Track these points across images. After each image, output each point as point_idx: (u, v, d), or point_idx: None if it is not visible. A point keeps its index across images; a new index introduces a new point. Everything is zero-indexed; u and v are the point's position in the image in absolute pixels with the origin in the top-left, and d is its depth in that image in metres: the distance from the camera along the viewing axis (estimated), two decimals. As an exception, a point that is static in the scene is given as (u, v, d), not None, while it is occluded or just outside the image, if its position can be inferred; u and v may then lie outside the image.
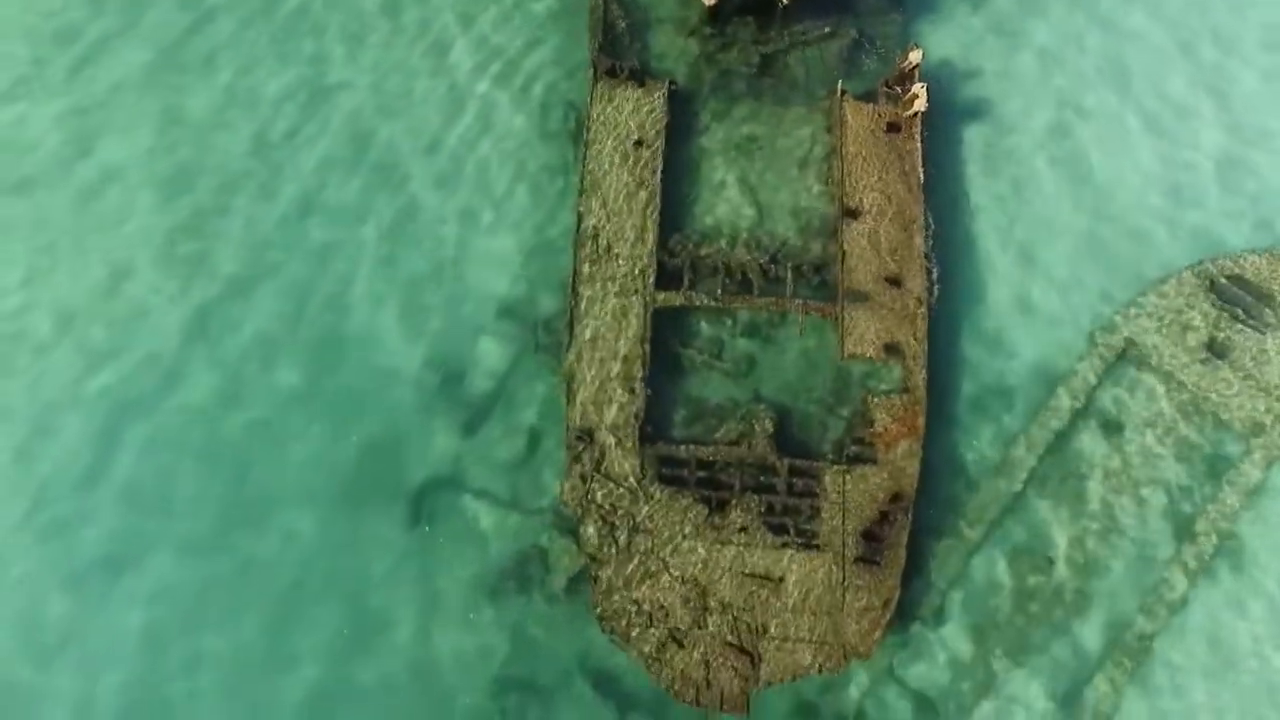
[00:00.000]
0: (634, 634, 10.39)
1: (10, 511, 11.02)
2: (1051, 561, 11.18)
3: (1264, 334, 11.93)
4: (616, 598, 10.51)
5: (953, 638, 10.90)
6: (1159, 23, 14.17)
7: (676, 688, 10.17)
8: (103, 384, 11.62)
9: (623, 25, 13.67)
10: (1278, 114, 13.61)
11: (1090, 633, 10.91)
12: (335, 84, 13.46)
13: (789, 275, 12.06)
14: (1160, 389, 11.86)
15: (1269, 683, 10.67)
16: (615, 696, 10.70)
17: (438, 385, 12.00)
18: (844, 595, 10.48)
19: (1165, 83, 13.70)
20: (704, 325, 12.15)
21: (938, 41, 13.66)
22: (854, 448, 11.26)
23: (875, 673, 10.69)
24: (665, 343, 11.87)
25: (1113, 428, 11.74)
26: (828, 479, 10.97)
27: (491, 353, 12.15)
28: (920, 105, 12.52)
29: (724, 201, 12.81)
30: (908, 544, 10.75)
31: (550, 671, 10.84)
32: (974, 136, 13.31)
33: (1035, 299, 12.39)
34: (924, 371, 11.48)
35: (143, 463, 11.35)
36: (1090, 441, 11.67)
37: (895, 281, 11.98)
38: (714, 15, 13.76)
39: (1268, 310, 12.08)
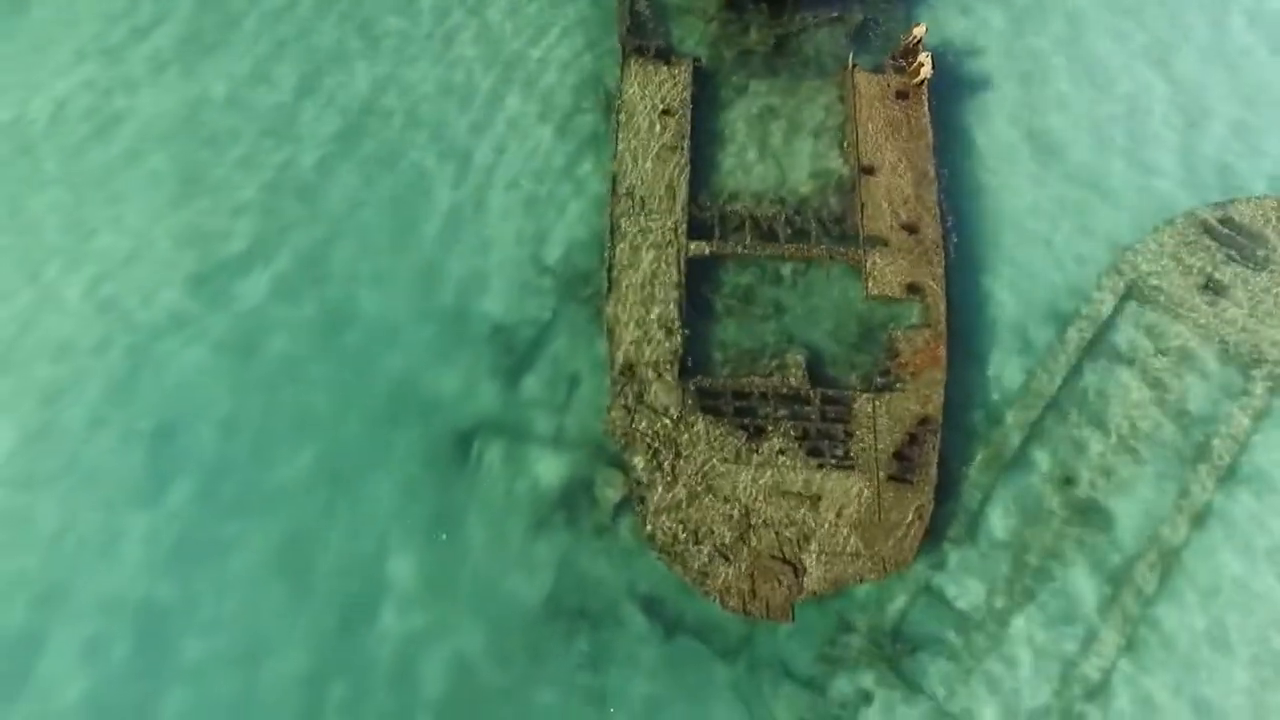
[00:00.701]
0: (681, 552, 10.98)
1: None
2: (1072, 482, 11.84)
3: (1258, 270, 12.88)
4: (663, 519, 11.13)
5: (984, 555, 11.49)
6: None
7: (723, 599, 10.72)
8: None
9: (647, 12, 14.93)
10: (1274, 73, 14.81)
11: (1113, 549, 11.53)
12: (396, 68, 14.60)
13: (812, 226, 13.02)
14: (1165, 323, 12.73)
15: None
16: (663, 620, 11.20)
17: (484, 336, 12.77)
18: (880, 510, 11.13)
19: (1156, 40, 14.95)
20: (734, 274, 13.03)
21: (936, 20, 14.90)
22: (881, 379, 12.05)
23: (912, 588, 11.25)
24: (698, 291, 12.75)
25: (1123, 359, 12.57)
26: (858, 406, 11.73)
27: (534, 305, 12.98)
28: (926, 72, 13.70)
29: (748, 164, 13.85)
30: (937, 467, 11.45)
31: (599, 598, 11.35)
32: (976, 101, 14.47)
33: (1042, 244, 13.35)
34: (944, 307, 12.35)
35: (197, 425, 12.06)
36: (1103, 372, 12.48)
37: (912, 229, 12.94)
38: (731, 3, 15.06)
39: (1260, 249, 13.05)
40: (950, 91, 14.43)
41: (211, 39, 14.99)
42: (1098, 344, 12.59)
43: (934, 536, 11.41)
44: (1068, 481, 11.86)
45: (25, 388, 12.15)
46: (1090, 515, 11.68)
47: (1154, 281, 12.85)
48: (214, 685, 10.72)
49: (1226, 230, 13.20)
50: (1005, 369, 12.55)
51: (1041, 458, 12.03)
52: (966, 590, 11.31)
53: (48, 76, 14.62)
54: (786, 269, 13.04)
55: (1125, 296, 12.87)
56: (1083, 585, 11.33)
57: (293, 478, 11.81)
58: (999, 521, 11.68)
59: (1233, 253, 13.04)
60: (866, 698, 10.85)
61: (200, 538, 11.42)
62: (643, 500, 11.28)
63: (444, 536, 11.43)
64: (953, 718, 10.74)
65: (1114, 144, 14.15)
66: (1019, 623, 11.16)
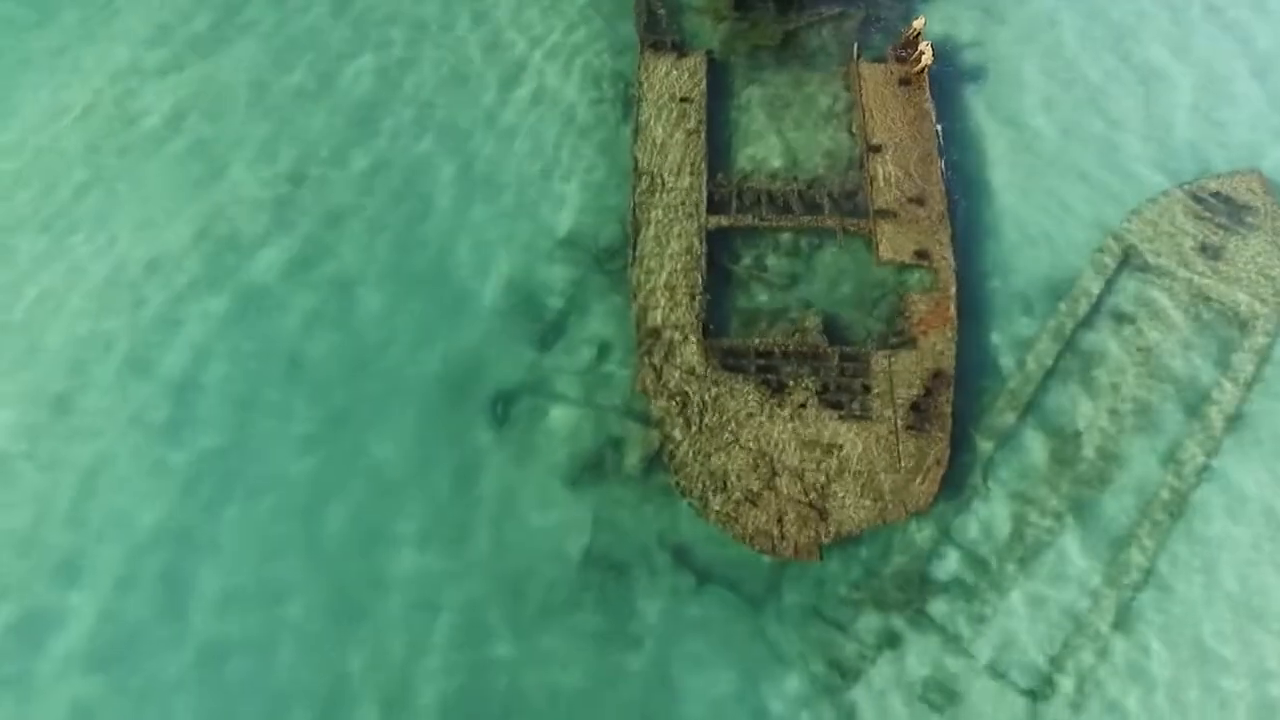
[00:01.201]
0: (710, 498, 11.53)
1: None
2: (1081, 434, 12.46)
3: (1247, 236, 13.69)
4: (692, 468, 11.70)
5: (999, 502, 12.06)
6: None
7: (752, 541, 11.24)
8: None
9: (661, 11, 15.96)
10: (1254, 54, 15.82)
11: (1123, 495, 12.10)
12: (412, 58, 15.58)
13: (824, 201, 13.85)
14: (1163, 286, 13.50)
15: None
16: (693, 568, 11.70)
17: (513, 306, 13.47)
18: (899, 457, 11.72)
19: (1136, 28, 16.03)
20: (751, 246, 13.81)
21: (934, 16, 15.95)
22: (895, 338, 12.73)
23: (932, 533, 11.78)
24: (717, 262, 13.50)
25: (1125, 319, 13.30)
26: (874, 362, 12.40)
27: (560, 277, 13.71)
28: (927, 60, 14.68)
29: (761, 146, 14.74)
30: (951, 421, 12.07)
31: (630, 547, 11.86)
32: (974, 87, 15.46)
33: (1042, 216, 14.18)
34: (952, 270, 13.10)
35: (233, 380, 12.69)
36: (1106, 332, 13.20)
37: (919, 201, 13.78)
38: (740, 3, 16.13)
39: (1248, 217, 13.88)
40: (949, 79, 15.42)
41: (230, 35, 15.89)
42: (1099, 306, 13.32)
43: (950, 485, 11.97)
44: (1076, 434, 12.47)
45: (62, 346, 12.80)
46: (1099, 464, 12.27)
47: (1151, 247, 13.65)
48: (236, 622, 11.16)
49: (1216, 201, 14.04)
50: (1012, 331, 13.25)
51: (1050, 411, 12.66)
52: (983, 535, 11.85)
53: (82, 72, 15.52)
54: (801, 241, 13.81)
55: (1123, 262, 13.63)
56: (1093, 529, 11.86)
57: (327, 434, 12.39)
58: (1012, 471, 12.26)
59: (1223, 220, 13.86)
60: (891, 637, 11.31)
61: (232, 484, 11.97)
62: (672, 452, 11.86)
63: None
64: (974, 655, 11.18)
65: (1106, 123, 15.09)
66: (1034, 565, 11.68)
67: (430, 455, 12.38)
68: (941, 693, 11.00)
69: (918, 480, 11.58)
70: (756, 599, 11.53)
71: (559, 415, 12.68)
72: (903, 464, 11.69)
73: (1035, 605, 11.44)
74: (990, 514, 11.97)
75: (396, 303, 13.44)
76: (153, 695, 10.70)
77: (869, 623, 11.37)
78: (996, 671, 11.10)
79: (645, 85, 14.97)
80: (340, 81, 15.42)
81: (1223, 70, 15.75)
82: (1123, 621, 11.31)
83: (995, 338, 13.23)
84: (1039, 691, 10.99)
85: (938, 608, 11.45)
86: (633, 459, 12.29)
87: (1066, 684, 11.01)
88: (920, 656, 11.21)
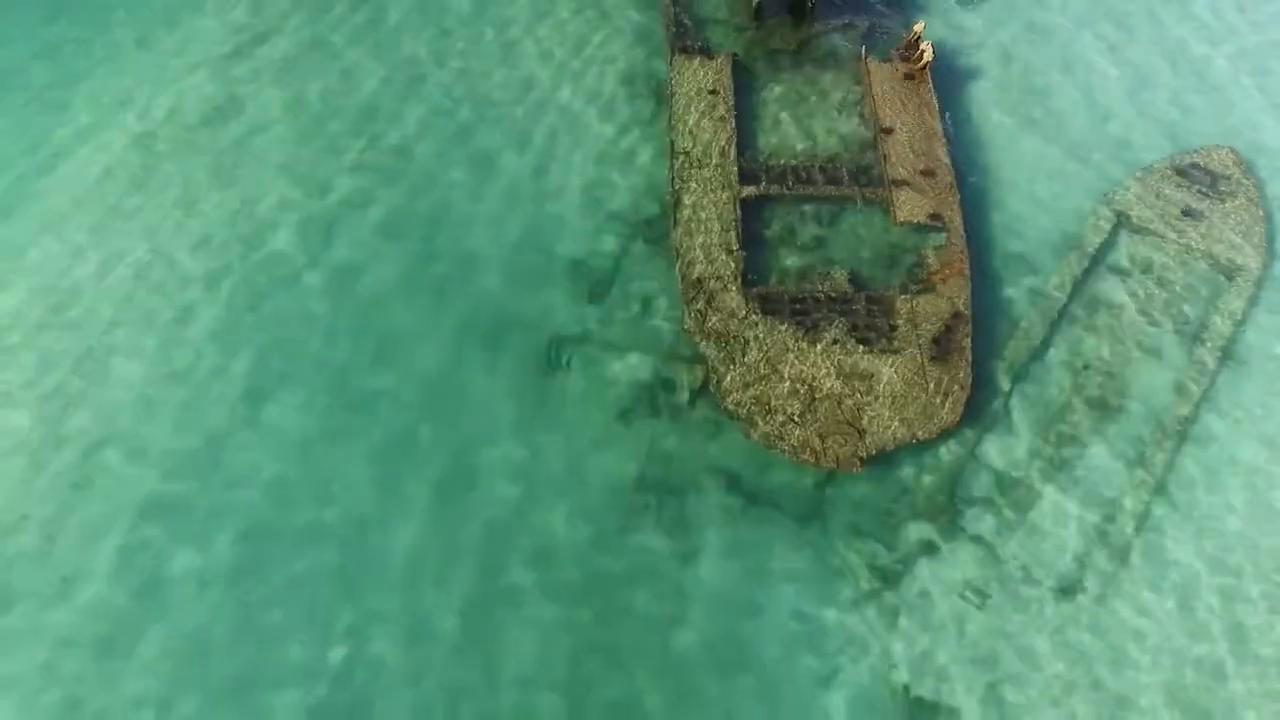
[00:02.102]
0: (757, 420, 12.75)
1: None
2: (1090, 367, 13.83)
3: (1225, 200, 15.42)
4: (739, 394, 12.96)
5: (1019, 426, 13.32)
6: None
7: (798, 454, 12.42)
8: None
9: (687, 22, 18.05)
10: (1224, 42, 17.92)
11: (1132, 417, 13.39)
12: (471, 67, 17.47)
13: (844, 175, 15.56)
14: (1154, 244, 15.12)
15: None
16: (741, 491, 12.81)
17: (565, 269, 14.91)
18: (926, 382, 13.03)
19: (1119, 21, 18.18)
20: (779, 215, 15.40)
21: (933, 22, 18.08)
22: (915, 285, 14.22)
23: (960, 454, 12.98)
24: (750, 228, 15.06)
25: (1123, 271, 14.86)
26: (898, 304, 13.85)
27: (607, 243, 15.22)
28: (929, 56, 16.70)
29: (783, 132, 16.55)
30: (971, 353, 13.44)
31: (683, 472, 12.99)
32: (973, 82, 17.45)
33: (1040, 186, 15.92)
34: (963, 229, 14.71)
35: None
36: (1107, 282, 14.74)
37: (929, 173, 15.51)
38: (758, 14, 18.26)
39: (1224, 185, 15.65)
40: (949, 74, 17.41)
41: (311, 48, 17.82)
42: (1098, 262, 14.90)
43: (974, 413, 13.25)
44: (1086, 367, 13.84)
45: (157, 309, 14.10)
46: (1107, 394, 13.60)
47: (1141, 211, 15.33)
48: (326, 552, 12.12)
49: (1195, 173, 15.83)
50: (1020, 282, 14.77)
51: (1060, 349, 14.06)
52: (1006, 455, 13.07)
53: (170, 77, 17.31)
54: (823, 210, 15.43)
55: (1117, 225, 15.29)
56: (1106, 449, 13.11)
57: (400, 382, 13.60)
58: (1029, 400, 13.57)
59: (1202, 188, 15.61)
60: (928, 546, 12.37)
61: (317, 429, 13.10)
62: (719, 383, 13.14)
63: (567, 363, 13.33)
64: (1005, 560, 12.22)
65: (1095, 108, 17.03)
66: (1056, 480, 12.87)
67: (493, 397, 13.57)
68: (977, 593, 12.01)
69: (944, 402, 12.87)
70: (802, 517, 12.61)
71: (611, 360, 13.97)
72: (930, 388, 12.98)
73: (1059, 514, 12.57)
74: (1012, 437, 13.21)
75: (459, 270, 14.84)
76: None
77: (906, 534, 12.45)
78: (1027, 573, 12.14)
79: (676, 81, 16.87)
80: (418, 84, 17.20)
81: (1198, 61, 17.83)
82: (1141, 527, 12.42)
83: (1006, 289, 14.73)
84: (1067, 589, 12.02)
85: (969, 519, 12.56)
86: (681, 394, 13.54)
87: (1092, 582, 12.04)
88: (955, 562, 12.25)
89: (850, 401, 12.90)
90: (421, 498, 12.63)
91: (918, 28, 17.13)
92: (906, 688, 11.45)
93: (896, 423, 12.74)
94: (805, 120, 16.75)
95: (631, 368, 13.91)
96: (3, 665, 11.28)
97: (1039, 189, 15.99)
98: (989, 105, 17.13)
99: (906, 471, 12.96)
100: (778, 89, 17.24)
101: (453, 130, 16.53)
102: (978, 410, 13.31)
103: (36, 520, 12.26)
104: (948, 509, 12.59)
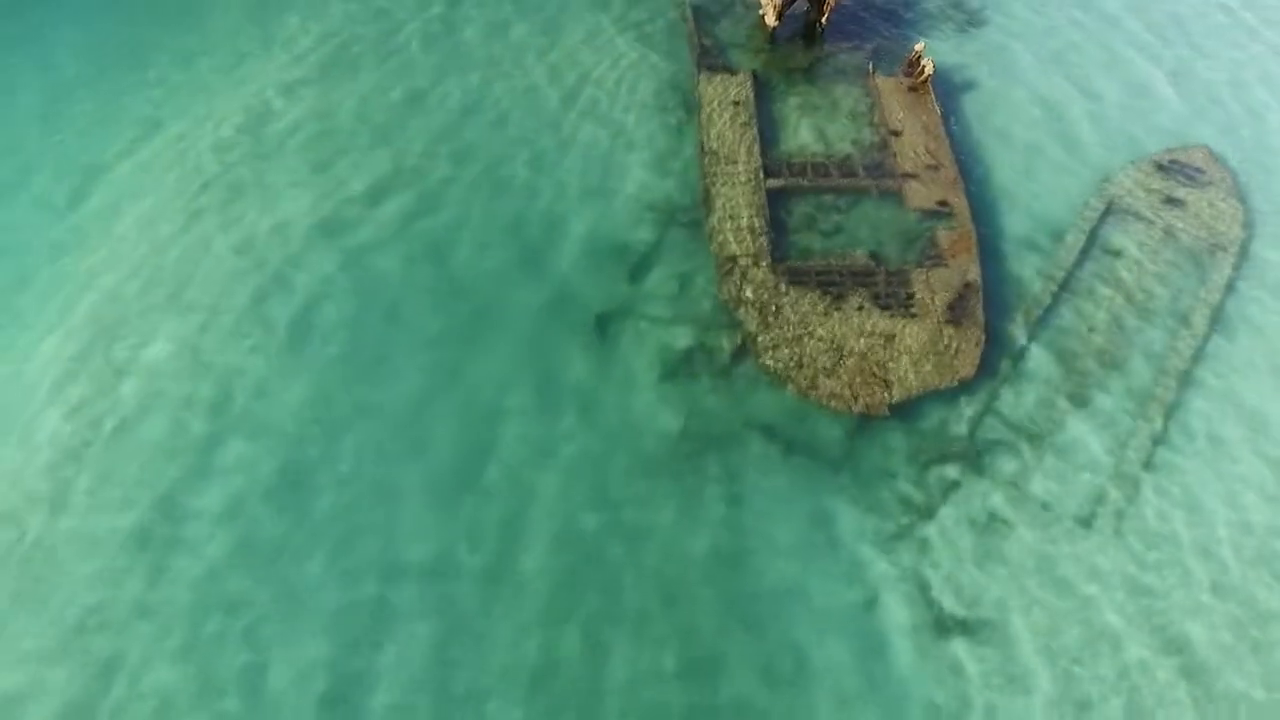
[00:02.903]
0: (792, 373, 14.13)
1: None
2: (1094, 330, 15.33)
3: (1202, 191, 17.24)
4: (775, 353, 14.38)
5: (1031, 381, 14.73)
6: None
7: (830, 402, 13.74)
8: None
9: (710, 44, 20.16)
10: (1217, 46, 20.05)
11: (1135, 371, 14.83)
12: (517, 82, 19.42)
13: (859, 170, 17.35)
14: (1142, 227, 16.84)
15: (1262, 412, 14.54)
16: (778, 441, 14.09)
17: (608, 251, 16.46)
18: (944, 340, 14.48)
19: (1097, 35, 20.33)
20: (801, 206, 17.08)
21: (932, 44, 20.23)
22: (929, 261, 15.81)
23: (978, 405, 14.33)
24: (775, 215, 16.72)
25: (1116, 251, 16.54)
26: (914, 276, 15.42)
27: (646, 230, 16.82)
28: (930, 70, 18.74)
29: (801, 136, 18.41)
30: (984, 320, 14.95)
31: (723, 427, 14.28)
32: (972, 93, 19.47)
33: (1037, 179, 17.74)
34: (969, 213, 16.41)
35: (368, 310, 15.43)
36: (1103, 260, 16.39)
37: (935, 168, 17.32)
38: (773, 38, 20.41)
39: (1200, 178, 17.50)
40: (947, 87, 19.44)
41: (347, 66, 19.73)
42: (1092, 243, 16.58)
43: (987, 370, 14.67)
44: (1090, 330, 15.34)
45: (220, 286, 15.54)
46: (1110, 350, 15.07)
47: (1129, 199, 17.11)
48: (369, 483, 13.30)
49: (1174, 168, 17.70)
50: (1023, 260, 16.42)
51: (1065, 315, 15.60)
52: (1020, 405, 14.46)
53: (241, 92, 19.16)
54: (842, 200, 17.13)
55: (1107, 211, 17.03)
56: (1113, 397, 14.51)
57: (451, 349, 14.95)
58: (1038, 359, 15.02)
59: (1181, 181, 17.45)
60: (953, 484, 13.62)
61: (392, 369, 14.40)
62: (755, 343, 14.55)
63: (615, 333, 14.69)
64: (1026, 495, 13.46)
65: (1083, 113, 19.03)
66: (1069, 422, 14.26)
67: (546, 362, 14.92)
68: (1002, 523, 13.21)
69: (961, 356, 14.28)
70: (834, 463, 13.87)
71: (652, 328, 15.40)
72: (947, 345, 14.42)
73: (1073, 452, 13.88)
74: (1025, 386, 14.62)
75: (514, 254, 16.36)
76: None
77: (932, 475, 13.70)
78: (1046, 506, 13.36)
79: (703, 94, 18.82)
80: (476, 97, 19.04)
81: (1179, 70, 19.97)
82: (1149, 463, 13.71)
83: (1011, 264, 16.36)
84: (1084, 520, 13.21)
85: (990, 461, 13.84)
86: (720, 358, 14.92)
87: (1106, 513, 13.24)
88: (979, 499, 13.47)
89: (875, 358, 14.31)
90: (492, 457, 13.83)
91: (918, 47, 19.24)
92: (942, 608, 12.51)
93: (918, 374, 14.13)
94: (821, 126, 18.65)
95: (673, 336, 15.32)
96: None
97: (1036, 181, 17.80)
98: (987, 111, 19.12)
99: (930, 420, 14.29)
100: (794, 101, 19.21)
101: (507, 138, 18.30)
102: (993, 365, 14.74)
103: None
104: (969, 451, 13.88)
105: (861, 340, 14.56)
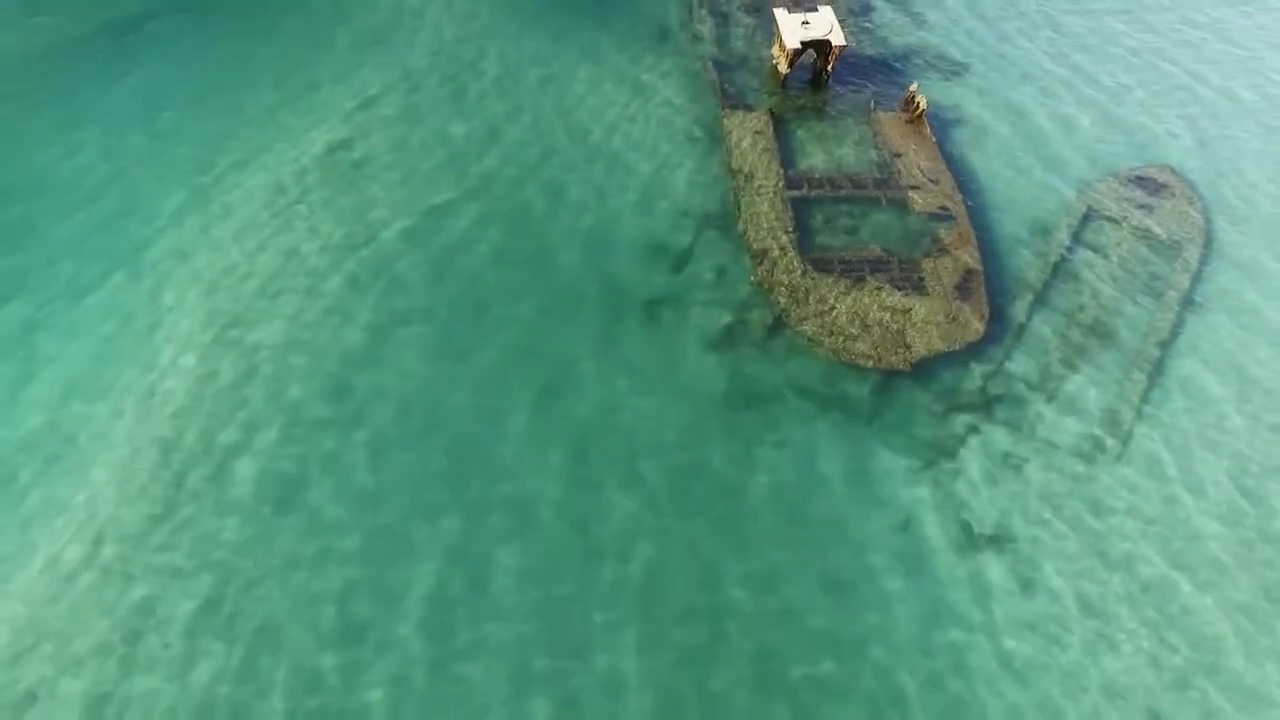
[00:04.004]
0: (824, 338, 16.40)
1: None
2: (1083, 308, 17.77)
3: (1167, 200, 20.13)
4: (808, 324, 16.69)
5: (1032, 347, 17.08)
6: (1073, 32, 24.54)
7: (859, 360, 15.96)
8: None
9: (730, 89, 23.35)
10: (1173, 85, 23.34)
11: (1117, 344, 17.19)
12: (571, 121, 22.36)
13: (868, 182, 20.16)
14: (1119, 228, 19.59)
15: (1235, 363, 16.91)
16: (814, 399, 16.25)
17: (652, 250, 18.96)
18: (953, 311, 16.86)
19: (1068, 78, 23.69)
20: (819, 211, 19.75)
21: (924, 85, 23.53)
22: (935, 252, 18.37)
23: (988, 366, 16.58)
24: (798, 219, 19.35)
25: (1096, 246, 19.20)
26: (923, 264, 17.95)
27: (683, 232, 19.39)
28: (924, 105, 21.90)
29: (816, 159, 21.33)
30: (986, 295, 17.40)
31: (764, 387, 16.46)
32: (962, 125, 22.59)
33: (1024, 193, 20.60)
34: (967, 216, 19.11)
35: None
36: (1087, 254, 19.05)
37: (935, 181, 20.16)
38: (785, 84, 23.66)
39: (1164, 190, 20.43)
40: (940, 119, 22.57)
41: (411, 110, 22.66)
42: (1077, 240, 19.28)
43: (992, 339, 17.00)
44: (1080, 308, 17.78)
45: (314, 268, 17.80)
46: (1099, 321, 17.52)
47: (1105, 206, 19.93)
48: (470, 436, 15.25)
49: (1142, 181, 20.65)
50: (1018, 252, 19.10)
51: (1057, 295, 18.13)
52: (1023, 365, 16.77)
53: (313, 124, 21.95)
54: (855, 207, 19.83)
55: (1086, 217, 19.81)
56: (1106, 357, 16.83)
57: (522, 332, 17.15)
58: (1037, 331, 17.41)
59: (1149, 191, 20.36)
60: (971, 428, 15.78)
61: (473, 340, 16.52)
62: (789, 317, 16.87)
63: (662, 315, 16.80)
64: (1035, 436, 15.54)
65: (1062, 139, 22.12)
66: (1068, 377, 16.58)
67: (608, 337, 17.12)
68: (1012, 460, 15.23)
69: (968, 323, 16.64)
70: (865, 414, 15.99)
71: (694, 309, 17.74)
72: (955, 315, 16.80)
73: (1072, 403, 16.13)
74: (1026, 353, 16.97)
75: (567, 254, 18.80)
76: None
77: (952, 422, 15.82)
78: (1052, 446, 15.44)
79: (728, 126, 21.82)
80: (530, 132, 21.90)
81: (1145, 99, 23.28)
82: (1139, 411, 15.91)
83: (1006, 256, 18.99)
84: (1088, 454, 15.27)
85: (1001, 410, 16.03)
86: (756, 330, 17.19)
87: (1104, 451, 15.33)
88: (994, 439, 15.59)
89: (895, 326, 16.64)
90: (563, 416, 15.86)
91: (912, 88, 22.48)
92: (966, 527, 14.38)
93: (933, 337, 16.43)
94: (831, 151, 21.61)
95: (715, 314, 17.64)
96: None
97: (1023, 193, 20.65)
98: (976, 139, 22.19)
99: (946, 380, 16.51)
100: (806, 133, 22.24)
101: (558, 164, 21.02)
102: (997, 335, 17.11)
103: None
104: (983, 402, 16.06)
105: (882, 313, 16.91)
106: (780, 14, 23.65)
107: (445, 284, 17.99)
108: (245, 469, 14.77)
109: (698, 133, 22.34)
